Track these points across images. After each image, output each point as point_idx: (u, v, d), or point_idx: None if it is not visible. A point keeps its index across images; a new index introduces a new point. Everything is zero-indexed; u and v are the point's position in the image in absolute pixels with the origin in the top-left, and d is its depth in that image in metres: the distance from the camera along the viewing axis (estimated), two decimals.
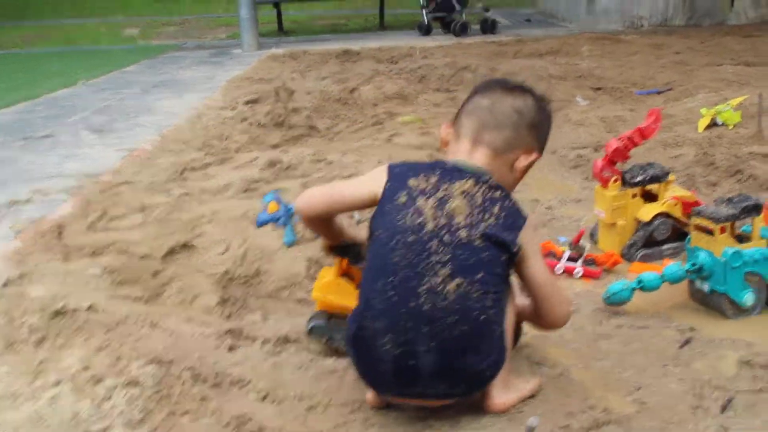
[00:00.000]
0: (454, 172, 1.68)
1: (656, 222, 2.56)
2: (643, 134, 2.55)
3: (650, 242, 2.57)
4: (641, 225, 2.57)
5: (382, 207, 1.65)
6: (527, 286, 1.73)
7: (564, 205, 3.11)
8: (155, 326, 2.08)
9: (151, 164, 3.67)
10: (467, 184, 1.65)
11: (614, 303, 2.20)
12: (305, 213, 1.80)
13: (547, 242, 2.59)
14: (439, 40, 8.80)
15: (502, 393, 1.71)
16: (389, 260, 1.59)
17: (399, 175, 1.69)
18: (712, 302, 2.17)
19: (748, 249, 2.13)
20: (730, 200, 2.19)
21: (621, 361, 1.93)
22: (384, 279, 1.59)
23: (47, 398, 1.69)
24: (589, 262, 2.50)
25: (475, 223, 1.61)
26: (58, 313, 2.12)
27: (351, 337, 1.66)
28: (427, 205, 1.62)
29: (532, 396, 1.76)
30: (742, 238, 2.19)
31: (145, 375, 1.80)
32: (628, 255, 2.57)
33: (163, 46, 10.11)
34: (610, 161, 2.56)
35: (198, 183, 3.31)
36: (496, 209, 1.64)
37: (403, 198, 1.63)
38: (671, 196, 2.59)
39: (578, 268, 2.47)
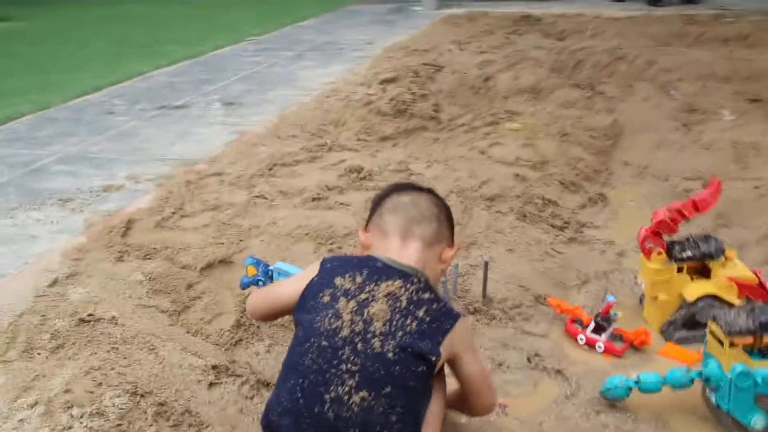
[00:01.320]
0: (382, 272, 1.65)
1: (700, 304, 2.34)
2: (697, 207, 2.32)
3: (692, 323, 2.37)
4: (685, 303, 2.37)
5: (305, 302, 1.66)
6: (460, 381, 1.73)
7: (636, 255, 2.91)
8: (153, 351, 2.21)
9: (251, 153, 3.82)
10: (394, 285, 1.63)
11: (609, 398, 2.07)
12: (253, 316, 1.97)
13: (576, 307, 2.46)
14: (629, 9, 8.32)
15: None
16: (301, 361, 1.59)
17: (328, 271, 1.68)
18: (718, 417, 1.99)
19: (763, 368, 1.91)
20: (753, 310, 1.96)
21: None
22: (294, 379, 1.59)
23: (16, 420, 1.87)
24: (615, 337, 2.35)
25: (392, 332, 1.57)
26: (83, 321, 2.31)
27: (262, 423, 1.69)
28: (346, 308, 1.61)
29: None
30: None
31: (113, 407, 1.93)
32: (666, 333, 2.39)
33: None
34: (654, 232, 2.37)
35: (279, 182, 3.41)
36: (420, 313, 1.61)
37: (326, 297, 1.63)
38: (727, 275, 2.35)
39: (600, 342, 2.33)
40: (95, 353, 2.16)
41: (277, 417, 1.62)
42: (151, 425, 1.92)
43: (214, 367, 2.19)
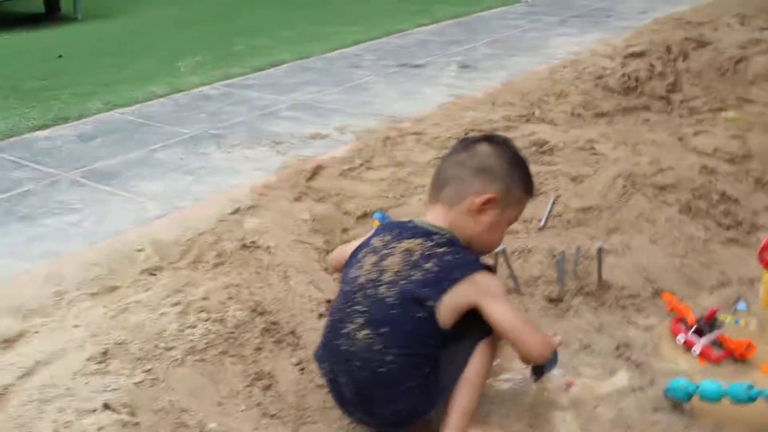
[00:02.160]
0: (409, 231, 1.85)
1: None
2: None
3: None
4: None
5: (350, 259, 1.94)
6: (495, 331, 1.82)
7: None
8: (286, 279, 2.60)
9: (457, 116, 4.07)
10: (414, 242, 1.81)
11: (671, 399, 2.08)
12: (331, 268, 2.17)
13: (686, 307, 2.43)
14: None
15: None
16: (335, 305, 1.90)
17: (374, 233, 1.92)
18: None
19: None
20: None
21: None
22: (330, 317, 1.91)
23: (159, 313, 2.37)
24: (716, 343, 2.31)
25: (397, 281, 1.77)
26: (245, 246, 2.78)
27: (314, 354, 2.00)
28: (369, 261, 1.85)
29: None
30: None
31: (233, 318, 2.36)
32: None
33: None
34: None
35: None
36: (429, 265, 1.77)
37: (362, 254, 1.89)
38: None
39: (698, 345, 2.31)
40: (241, 273, 2.61)
41: (320, 348, 1.93)
42: (257, 337, 2.31)
43: (328, 301, 2.53)
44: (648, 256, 2.73)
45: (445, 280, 1.75)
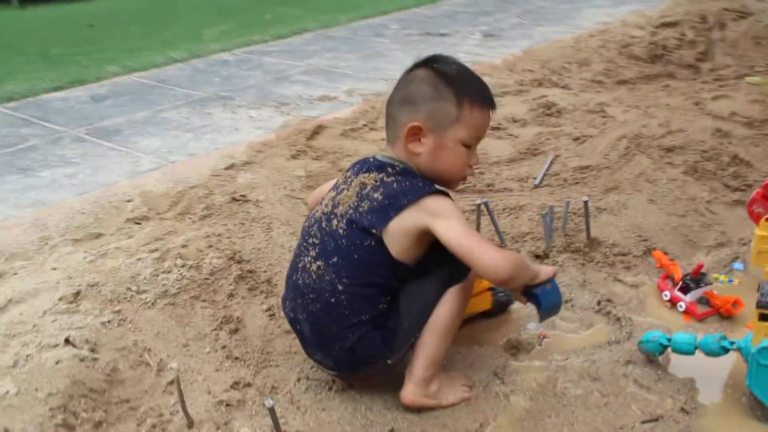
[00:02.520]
0: (368, 166, 1.81)
1: None
2: None
3: None
4: None
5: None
6: (449, 250, 1.70)
7: None
8: (269, 230, 2.59)
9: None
10: (368, 176, 1.78)
11: (644, 351, 2.01)
12: (309, 210, 2.07)
13: (674, 264, 2.34)
14: None
15: (413, 390, 1.79)
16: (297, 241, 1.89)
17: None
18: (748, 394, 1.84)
19: None
20: None
21: (569, 418, 1.82)
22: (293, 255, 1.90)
23: (135, 258, 2.38)
24: (702, 299, 2.22)
25: (347, 212, 1.75)
26: (234, 200, 2.78)
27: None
28: (328, 197, 1.83)
29: (451, 406, 1.81)
30: None
31: (209, 265, 2.35)
32: (762, 303, 2.18)
33: None
34: (764, 196, 2.16)
35: None
36: (377, 194, 1.73)
37: (328, 191, 1.87)
38: None
39: (683, 302, 2.22)
40: (225, 224, 2.60)
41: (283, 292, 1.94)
42: (231, 284, 2.30)
43: None
44: (644, 215, 2.63)
45: (390, 207, 1.71)
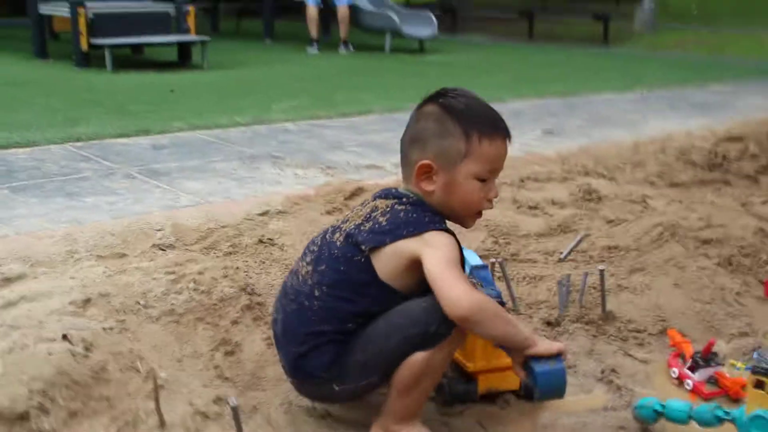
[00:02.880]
0: (386, 193, 1.83)
1: None
2: None
3: None
4: None
5: None
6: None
7: None
8: (287, 270, 2.62)
9: (516, 168, 4.01)
10: (384, 201, 1.79)
11: (638, 418, 1.93)
12: None
13: (686, 342, 2.25)
14: None
15: None
16: None
17: None
18: None
19: None
20: None
21: None
22: None
23: (151, 278, 2.43)
24: (712, 379, 2.12)
25: (349, 228, 1.76)
26: (261, 242, 2.84)
27: None
28: (342, 215, 1.88)
29: None
30: None
31: (221, 292, 2.39)
32: (758, 370, 2.08)
33: None
34: None
35: (527, 192, 3.56)
36: (383, 219, 1.73)
37: None
38: None
39: (690, 380, 2.13)
40: (246, 261, 2.66)
41: None
42: (237, 312, 2.33)
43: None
44: (667, 297, 2.57)
45: (389, 234, 1.71)
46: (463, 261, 1.80)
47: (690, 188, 3.97)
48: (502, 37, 13.25)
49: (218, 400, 1.94)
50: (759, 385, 1.68)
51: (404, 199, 1.77)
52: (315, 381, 1.77)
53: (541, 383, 1.65)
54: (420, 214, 1.74)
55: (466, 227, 1.89)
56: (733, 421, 1.72)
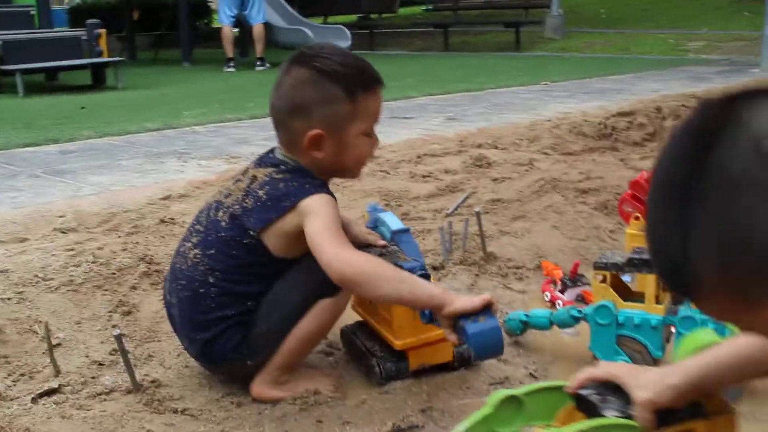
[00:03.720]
0: (265, 160, 1.80)
1: None
2: None
3: None
4: None
5: None
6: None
7: None
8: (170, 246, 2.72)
9: (415, 147, 4.19)
10: (262, 170, 1.76)
11: (508, 331, 2.08)
12: None
13: (556, 268, 2.43)
14: None
15: (259, 382, 1.78)
16: None
17: None
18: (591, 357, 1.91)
19: (630, 309, 1.82)
20: (636, 251, 1.87)
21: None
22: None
23: (49, 254, 2.51)
24: (579, 298, 2.30)
25: (232, 205, 1.73)
26: (162, 222, 2.92)
27: None
28: (226, 185, 1.86)
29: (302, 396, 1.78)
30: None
31: (120, 263, 2.48)
32: (599, 265, 2.26)
33: (689, 60, 10.06)
34: (633, 196, 2.28)
35: (423, 167, 3.73)
36: (261, 192, 1.70)
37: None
38: None
39: (560, 300, 2.30)
40: (147, 237, 2.75)
41: None
42: (135, 279, 2.43)
43: None
44: (545, 238, 2.75)
45: (272, 209, 1.69)
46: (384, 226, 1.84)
47: (581, 155, 4.21)
48: (419, 50, 13.55)
49: (114, 351, 2.03)
50: (603, 280, 1.86)
51: (282, 167, 1.74)
52: (226, 363, 1.77)
53: (475, 344, 1.51)
54: (300, 181, 1.71)
55: (355, 177, 1.92)
56: (585, 317, 1.89)
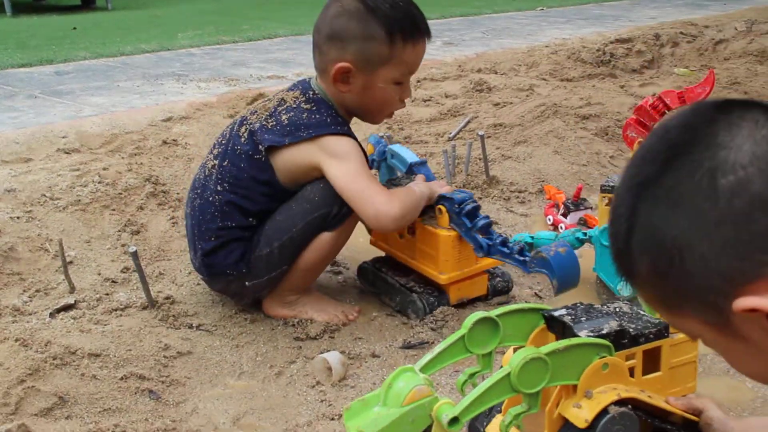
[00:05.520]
0: (296, 86, 1.80)
1: None
2: (682, 98, 2.22)
3: None
4: None
5: None
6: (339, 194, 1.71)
7: None
8: (190, 163, 2.74)
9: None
10: (291, 94, 1.77)
11: None
12: None
13: (560, 192, 2.46)
14: None
15: (269, 302, 1.83)
16: None
17: None
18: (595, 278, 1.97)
19: None
20: None
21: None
22: None
23: (56, 174, 2.52)
24: (581, 222, 2.34)
25: (255, 122, 1.74)
26: (165, 143, 2.92)
27: None
28: (259, 102, 1.86)
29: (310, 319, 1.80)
30: None
31: (127, 183, 2.50)
32: (605, 188, 2.29)
33: None
34: (637, 121, 2.30)
35: (422, 92, 3.72)
36: (284, 117, 1.71)
37: None
38: None
39: (563, 223, 2.34)
40: (151, 158, 2.76)
41: None
42: (142, 199, 2.44)
43: None
44: (546, 162, 2.78)
45: (288, 134, 1.69)
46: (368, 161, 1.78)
47: (579, 81, 4.21)
48: None
49: (126, 269, 2.07)
50: (609, 203, 1.89)
51: (309, 93, 1.74)
52: (225, 278, 1.79)
53: (558, 271, 1.58)
54: (323, 114, 1.71)
55: (375, 123, 1.92)
56: (590, 239, 1.93)
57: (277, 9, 7.68)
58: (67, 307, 1.85)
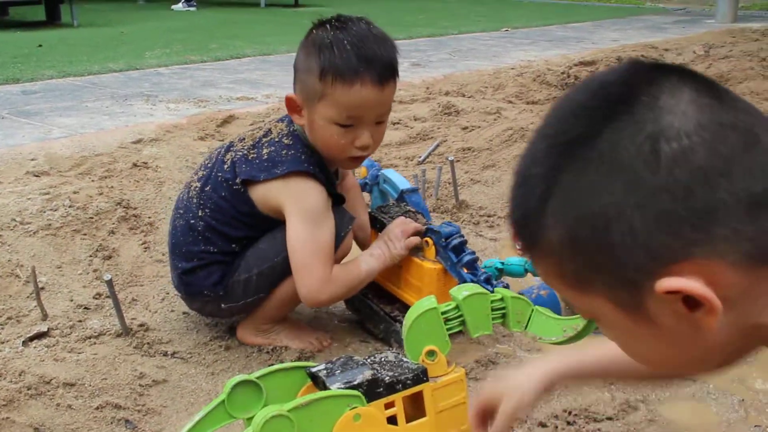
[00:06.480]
0: (286, 117, 1.79)
1: None
2: None
3: None
4: None
5: None
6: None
7: None
8: (161, 186, 2.74)
9: None
10: (279, 126, 1.77)
11: None
12: None
13: None
14: None
15: (241, 329, 1.86)
16: None
17: None
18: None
19: None
20: None
21: None
22: None
23: (25, 198, 2.51)
24: None
25: (239, 150, 1.75)
26: (135, 165, 2.93)
27: None
28: (244, 132, 1.88)
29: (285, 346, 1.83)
30: None
31: (97, 207, 2.50)
32: None
33: (647, 9, 10.17)
34: None
35: None
36: (266, 150, 1.71)
37: None
38: None
39: None
40: (121, 181, 2.76)
41: None
42: (113, 224, 2.44)
43: None
44: None
45: (265, 171, 1.69)
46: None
47: (545, 104, 4.29)
48: None
49: (98, 296, 2.07)
50: None
51: (292, 128, 1.73)
52: (202, 298, 1.80)
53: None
54: (298, 151, 1.70)
55: (343, 168, 1.86)
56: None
57: (244, 27, 7.70)
58: (40, 335, 1.84)
